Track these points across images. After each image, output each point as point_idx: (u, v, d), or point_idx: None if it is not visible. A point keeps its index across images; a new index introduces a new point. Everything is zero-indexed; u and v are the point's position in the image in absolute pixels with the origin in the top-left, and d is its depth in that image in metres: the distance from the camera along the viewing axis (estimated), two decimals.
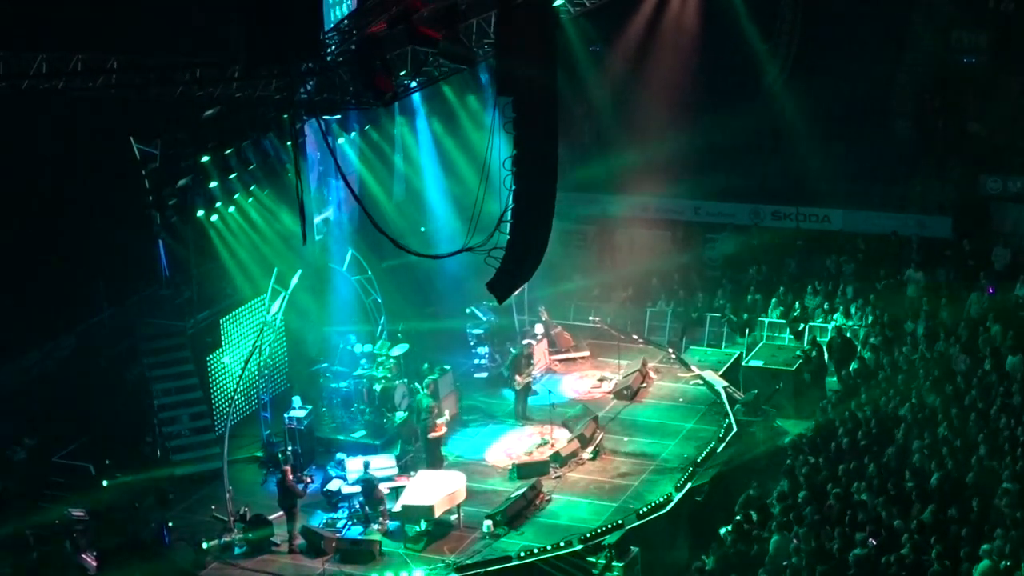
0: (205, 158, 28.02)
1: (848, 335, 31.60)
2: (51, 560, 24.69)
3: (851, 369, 29.94)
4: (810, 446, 26.05)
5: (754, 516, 23.59)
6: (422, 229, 34.75)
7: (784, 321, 33.15)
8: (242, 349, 29.68)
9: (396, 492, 26.13)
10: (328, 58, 21.46)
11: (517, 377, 29.85)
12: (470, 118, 35.09)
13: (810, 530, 22.13)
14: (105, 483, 26.88)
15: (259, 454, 28.89)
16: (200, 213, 28.70)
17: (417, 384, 28.97)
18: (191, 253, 29.10)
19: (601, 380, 31.81)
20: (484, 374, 32.13)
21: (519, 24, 19.34)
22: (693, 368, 31.59)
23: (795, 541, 22.04)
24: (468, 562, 24.29)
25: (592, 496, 26.65)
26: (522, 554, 24.13)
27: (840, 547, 21.58)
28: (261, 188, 30.06)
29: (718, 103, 37.76)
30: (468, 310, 33.00)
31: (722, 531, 23.77)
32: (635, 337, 33.87)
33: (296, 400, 28.70)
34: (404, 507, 25.43)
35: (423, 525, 25.32)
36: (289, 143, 28.41)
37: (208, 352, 29.62)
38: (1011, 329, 29.59)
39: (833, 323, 32.58)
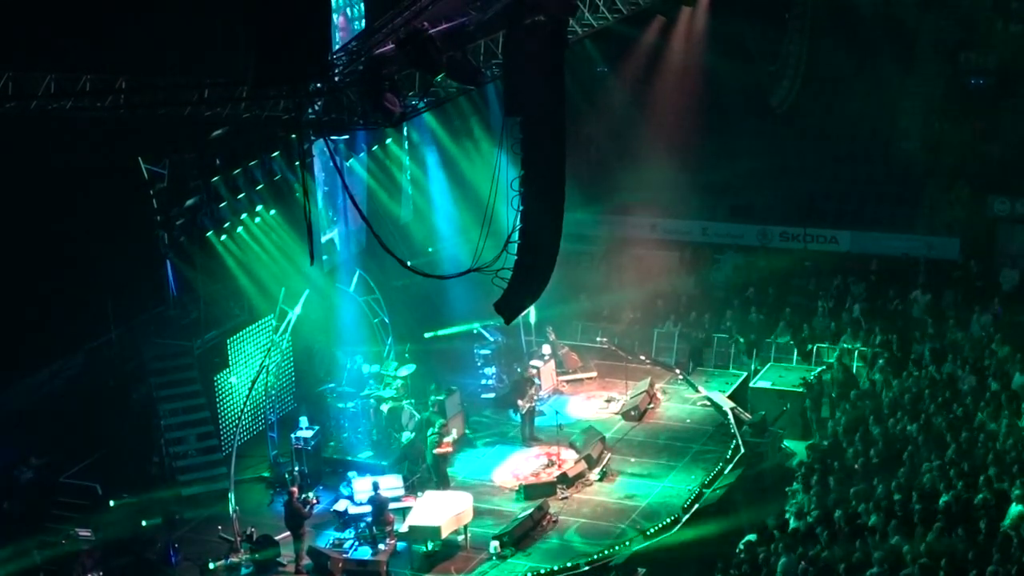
0: (213, 178, 28.09)
1: (849, 366, 31.35)
2: None
3: (861, 390, 29.82)
4: (819, 467, 25.96)
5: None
6: (430, 250, 34.74)
7: (792, 342, 33.08)
8: (249, 369, 29.68)
9: (403, 512, 26.10)
10: (336, 78, 21.47)
11: (520, 401, 29.85)
12: (478, 138, 35.13)
13: (818, 551, 22.05)
14: (112, 503, 26.83)
15: (266, 474, 28.88)
16: (208, 233, 28.76)
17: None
18: (199, 273, 29.11)
19: (608, 401, 31.76)
20: (491, 394, 32.09)
21: (527, 45, 19.37)
22: (700, 389, 31.57)
23: (802, 563, 21.96)
24: None
25: (599, 517, 26.59)
26: (529, 575, 24.07)
27: (847, 568, 21.49)
28: (268, 208, 30.17)
29: (726, 124, 37.82)
30: (475, 330, 32.99)
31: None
32: (642, 358, 33.84)
33: (303, 420, 28.62)
34: (411, 527, 25.38)
35: (430, 546, 25.29)
36: (297, 163, 28.52)
37: (215, 372, 29.60)
38: (1019, 351, 29.53)
39: (841, 344, 32.50)
